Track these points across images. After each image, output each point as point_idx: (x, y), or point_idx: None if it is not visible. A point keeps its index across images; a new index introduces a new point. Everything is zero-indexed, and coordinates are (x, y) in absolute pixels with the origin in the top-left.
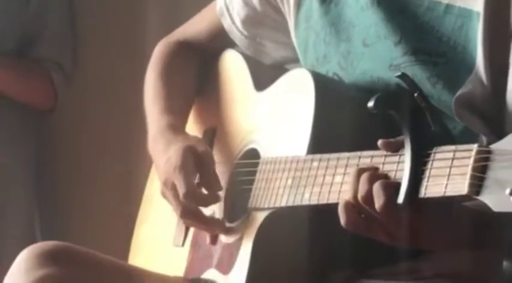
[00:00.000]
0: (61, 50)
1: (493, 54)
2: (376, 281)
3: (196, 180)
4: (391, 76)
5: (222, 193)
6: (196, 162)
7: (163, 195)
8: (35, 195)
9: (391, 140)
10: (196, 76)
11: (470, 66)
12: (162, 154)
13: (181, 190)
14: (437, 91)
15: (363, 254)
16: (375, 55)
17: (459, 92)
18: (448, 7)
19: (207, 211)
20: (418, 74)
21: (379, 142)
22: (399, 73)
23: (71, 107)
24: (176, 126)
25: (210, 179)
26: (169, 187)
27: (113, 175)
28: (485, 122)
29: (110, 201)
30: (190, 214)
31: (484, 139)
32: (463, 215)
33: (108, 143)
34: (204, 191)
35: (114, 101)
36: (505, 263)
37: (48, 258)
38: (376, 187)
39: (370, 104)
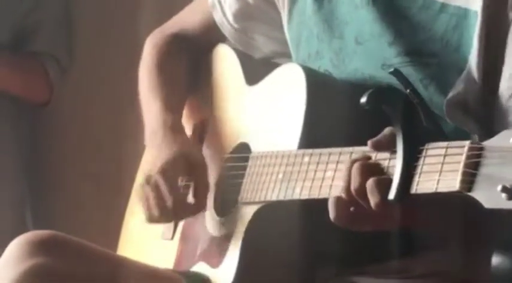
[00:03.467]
0: (57, 43)
1: (488, 53)
2: (365, 278)
3: (184, 182)
4: (383, 75)
5: (211, 188)
6: (189, 169)
7: (141, 186)
8: (27, 185)
9: (380, 138)
10: (189, 69)
11: (460, 67)
12: (157, 149)
13: (168, 199)
14: (429, 93)
15: (352, 251)
16: (368, 53)
17: (450, 94)
18: (444, 6)
19: None
20: (411, 75)
21: (369, 143)
22: (392, 69)
23: (64, 98)
24: (177, 127)
25: (201, 190)
26: (151, 184)
27: (104, 167)
28: (476, 121)
29: (101, 192)
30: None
31: (476, 138)
32: (454, 210)
33: (100, 135)
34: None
35: (107, 93)
36: (494, 259)
37: (39, 247)
38: (370, 184)
39: (363, 99)
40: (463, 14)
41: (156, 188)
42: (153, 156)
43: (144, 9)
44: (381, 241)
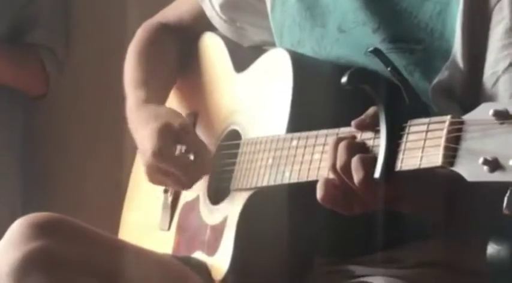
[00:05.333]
0: (54, 35)
1: (471, 40)
2: (361, 267)
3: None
4: (367, 61)
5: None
6: (177, 136)
7: (152, 180)
8: (20, 178)
9: (363, 117)
10: (177, 56)
11: (446, 54)
12: (139, 131)
13: (176, 170)
14: (414, 79)
15: (346, 241)
16: (351, 41)
17: (436, 80)
18: None
19: (191, 194)
20: (396, 61)
21: (353, 123)
22: (371, 48)
23: (61, 91)
24: (150, 100)
25: (196, 147)
26: (159, 172)
27: (100, 161)
28: (462, 107)
29: (97, 186)
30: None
31: None
32: (445, 194)
33: (96, 128)
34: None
35: (105, 86)
36: (489, 248)
37: (40, 230)
38: (355, 161)
39: (344, 79)
40: (446, 1)
41: (164, 172)
42: (139, 141)
43: (142, 1)
44: (374, 232)
